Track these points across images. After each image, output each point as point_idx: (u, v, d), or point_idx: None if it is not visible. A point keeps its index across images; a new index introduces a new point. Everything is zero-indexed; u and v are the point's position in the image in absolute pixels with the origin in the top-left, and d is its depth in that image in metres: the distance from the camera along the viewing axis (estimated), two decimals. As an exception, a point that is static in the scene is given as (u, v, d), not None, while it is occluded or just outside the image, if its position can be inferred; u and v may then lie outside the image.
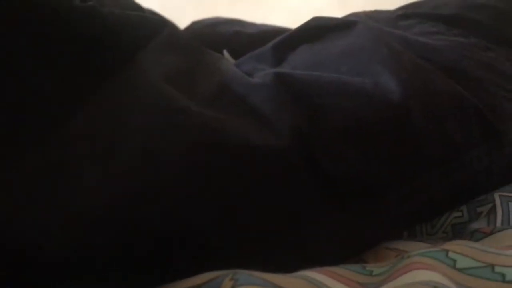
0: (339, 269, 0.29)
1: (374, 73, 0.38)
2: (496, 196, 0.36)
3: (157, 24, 0.41)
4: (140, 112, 0.34)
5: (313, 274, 0.28)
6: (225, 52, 0.51)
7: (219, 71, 0.41)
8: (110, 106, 0.34)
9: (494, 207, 0.36)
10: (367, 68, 0.38)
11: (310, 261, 0.30)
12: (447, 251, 0.28)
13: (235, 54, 0.50)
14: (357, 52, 0.41)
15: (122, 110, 0.34)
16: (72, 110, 0.33)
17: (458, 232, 0.36)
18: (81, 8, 0.35)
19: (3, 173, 0.30)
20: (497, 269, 0.27)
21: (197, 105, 0.35)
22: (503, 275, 0.26)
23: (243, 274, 0.26)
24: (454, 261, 0.27)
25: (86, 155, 0.32)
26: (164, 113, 0.34)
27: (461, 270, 0.27)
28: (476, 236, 0.33)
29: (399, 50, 0.40)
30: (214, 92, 0.38)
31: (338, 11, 0.55)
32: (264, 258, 0.32)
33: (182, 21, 0.63)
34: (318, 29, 0.45)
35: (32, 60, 0.33)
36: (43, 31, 0.34)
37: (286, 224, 0.33)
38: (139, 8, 0.47)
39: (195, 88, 0.38)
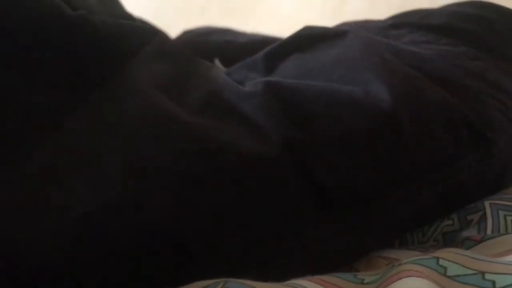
0: (330, 278, 0.29)
1: (365, 82, 0.38)
2: (487, 204, 0.37)
3: (148, 32, 0.42)
4: (130, 120, 0.34)
5: (304, 282, 0.28)
6: (216, 61, 0.51)
7: (210, 79, 0.41)
8: (100, 114, 0.34)
9: (484, 215, 0.36)
10: (358, 77, 0.39)
11: (301, 270, 0.30)
12: (438, 258, 0.28)
13: (227, 63, 0.50)
14: (348, 61, 0.41)
15: (112, 118, 0.34)
16: (62, 118, 0.33)
17: (449, 240, 0.36)
18: (72, 17, 0.35)
19: None
20: (487, 276, 0.27)
21: (188, 113, 0.35)
22: (493, 282, 0.26)
23: (234, 283, 0.26)
24: (445, 268, 0.27)
25: (76, 164, 0.31)
26: (154, 121, 0.34)
27: (451, 277, 0.27)
28: (466, 244, 0.33)
29: (389, 59, 0.40)
30: (205, 100, 0.38)
31: (330, 22, 0.56)
32: (255, 267, 0.32)
33: (173, 32, 0.63)
34: (310, 38, 0.46)
35: (22, 68, 0.33)
36: (34, 39, 0.33)
37: (278, 232, 0.33)
38: (129, 17, 0.47)
39: (186, 96, 0.38)
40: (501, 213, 0.36)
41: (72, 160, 0.32)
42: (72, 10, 0.36)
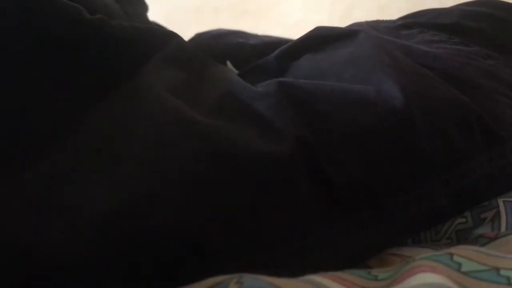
0: (344, 274, 0.29)
1: (377, 81, 0.38)
2: (500, 201, 0.37)
3: (165, 36, 0.42)
4: (145, 122, 0.34)
5: (319, 278, 0.28)
6: (228, 63, 0.52)
7: (224, 81, 0.41)
8: (116, 116, 0.34)
9: (498, 213, 0.36)
10: (369, 76, 0.39)
11: (314, 269, 0.30)
12: (451, 254, 0.28)
13: (239, 65, 0.51)
14: (359, 60, 0.41)
15: (128, 120, 0.34)
16: (79, 120, 0.33)
17: (463, 238, 0.36)
18: (90, 20, 0.36)
19: (9, 181, 0.30)
20: (502, 272, 0.27)
21: (202, 115, 0.35)
22: (508, 278, 0.26)
23: (248, 278, 0.26)
24: (459, 264, 0.27)
25: (93, 164, 0.32)
26: (169, 123, 0.34)
27: (466, 273, 0.27)
28: (480, 241, 0.33)
29: (400, 58, 0.40)
30: (218, 101, 0.38)
31: (338, 25, 0.56)
32: (268, 265, 0.32)
33: (185, 36, 0.63)
34: (321, 39, 0.46)
35: (39, 70, 0.33)
36: (52, 42, 0.34)
37: (290, 231, 0.34)
38: (147, 21, 0.48)
39: (200, 98, 0.38)
40: (515, 210, 0.36)
41: (89, 161, 0.32)
42: (90, 14, 0.36)
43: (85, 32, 0.35)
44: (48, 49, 0.34)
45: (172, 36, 0.43)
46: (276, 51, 0.47)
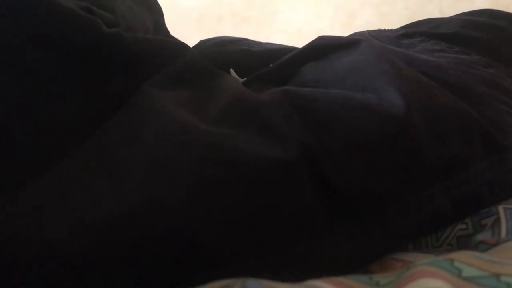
0: (346, 280, 0.29)
1: (378, 89, 0.39)
2: (500, 208, 0.37)
3: (176, 47, 0.43)
4: (150, 130, 0.35)
5: (322, 284, 0.28)
6: (232, 71, 0.52)
7: (229, 90, 0.42)
8: (122, 125, 0.35)
9: (498, 219, 0.36)
10: (371, 84, 0.39)
11: (316, 273, 0.30)
12: (452, 260, 0.28)
13: (242, 73, 0.51)
14: (361, 69, 0.42)
15: (134, 128, 0.35)
16: (87, 129, 0.34)
17: (463, 244, 0.37)
18: (107, 34, 0.36)
19: (19, 186, 0.31)
20: (502, 278, 0.27)
21: (207, 123, 0.36)
22: (508, 285, 0.26)
23: (253, 283, 0.26)
24: (460, 270, 0.28)
25: (102, 170, 0.33)
26: (174, 131, 0.35)
27: (466, 279, 0.27)
28: (481, 247, 0.34)
29: (402, 67, 0.41)
30: (224, 110, 0.39)
31: (340, 33, 0.56)
32: (270, 271, 0.32)
33: (188, 43, 0.64)
34: (324, 48, 0.47)
35: (51, 80, 0.34)
36: (71, 54, 0.35)
37: (293, 236, 0.34)
38: (165, 32, 0.48)
39: (206, 107, 0.39)
40: (515, 217, 0.36)
41: (97, 167, 0.33)
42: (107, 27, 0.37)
43: (101, 44, 0.36)
44: (66, 60, 0.34)
45: (183, 48, 0.44)
46: (280, 60, 0.48)
